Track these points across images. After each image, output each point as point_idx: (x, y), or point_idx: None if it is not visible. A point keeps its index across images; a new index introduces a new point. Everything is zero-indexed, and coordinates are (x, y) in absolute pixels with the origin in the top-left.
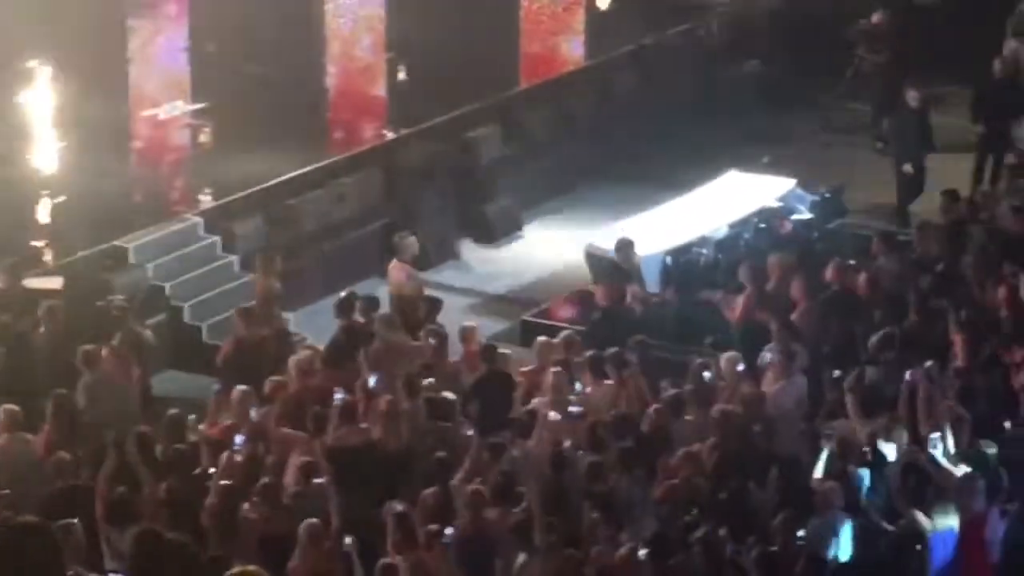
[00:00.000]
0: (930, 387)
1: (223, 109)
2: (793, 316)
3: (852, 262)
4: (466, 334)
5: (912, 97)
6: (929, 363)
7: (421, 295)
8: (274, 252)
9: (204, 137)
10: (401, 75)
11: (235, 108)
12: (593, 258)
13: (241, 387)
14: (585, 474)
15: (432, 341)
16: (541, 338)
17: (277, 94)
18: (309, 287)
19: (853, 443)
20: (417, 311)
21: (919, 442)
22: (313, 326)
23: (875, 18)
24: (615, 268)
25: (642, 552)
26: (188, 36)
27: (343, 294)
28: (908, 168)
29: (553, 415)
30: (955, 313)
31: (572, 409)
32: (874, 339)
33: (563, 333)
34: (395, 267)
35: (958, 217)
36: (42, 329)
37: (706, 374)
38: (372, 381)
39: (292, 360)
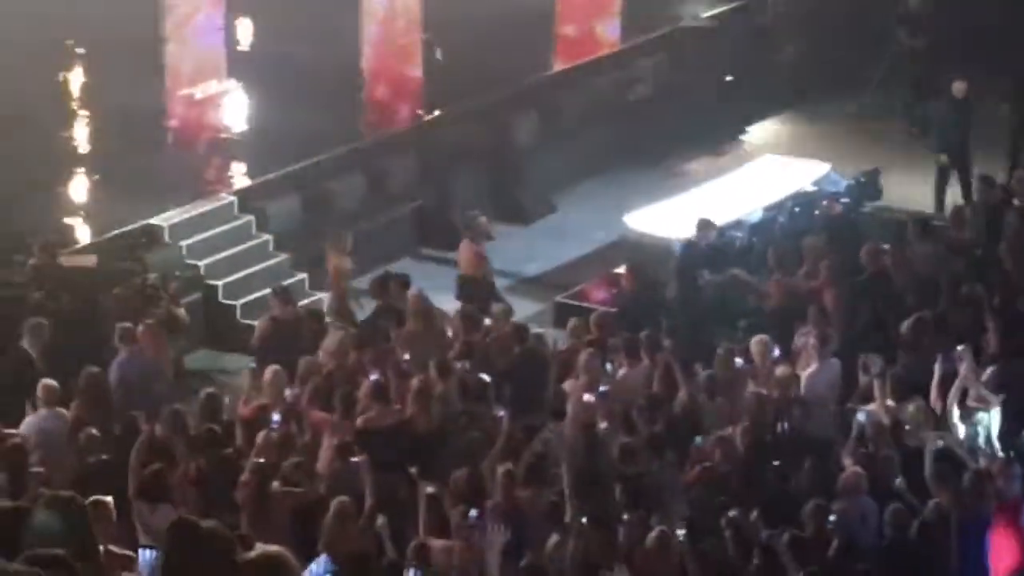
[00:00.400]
0: (965, 372)
1: (259, 89)
2: (826, 300)
3: (886, 246)
4: (499, 315)
5: (958, 88)
6: (962, 347)
7: (488, 275)
8: (344, 231)
9: (240, 116)
10: (437, 56)
11: (270, 88)
12: (632, 238)
13: (274, 367)
14: (617, 457)
15: (465, 322)
16: (573, 319)
17: (313, 75)
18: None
19: (885, 427)
20: (483, 290)
21: (951, 427)
22: None
23: (913, 2)
24: (654, 250)
25: (676, 534)
26: (224, 16)
27: (378, 274)
28: (944, 159)
29: (587, 396)
30: (989, 299)
31: (602, 388)
32: (906, 324)
33: (595, 313)
34: (465, 246)
35: (994, 202)
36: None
37: (738, 360)
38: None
39: (325, 342)
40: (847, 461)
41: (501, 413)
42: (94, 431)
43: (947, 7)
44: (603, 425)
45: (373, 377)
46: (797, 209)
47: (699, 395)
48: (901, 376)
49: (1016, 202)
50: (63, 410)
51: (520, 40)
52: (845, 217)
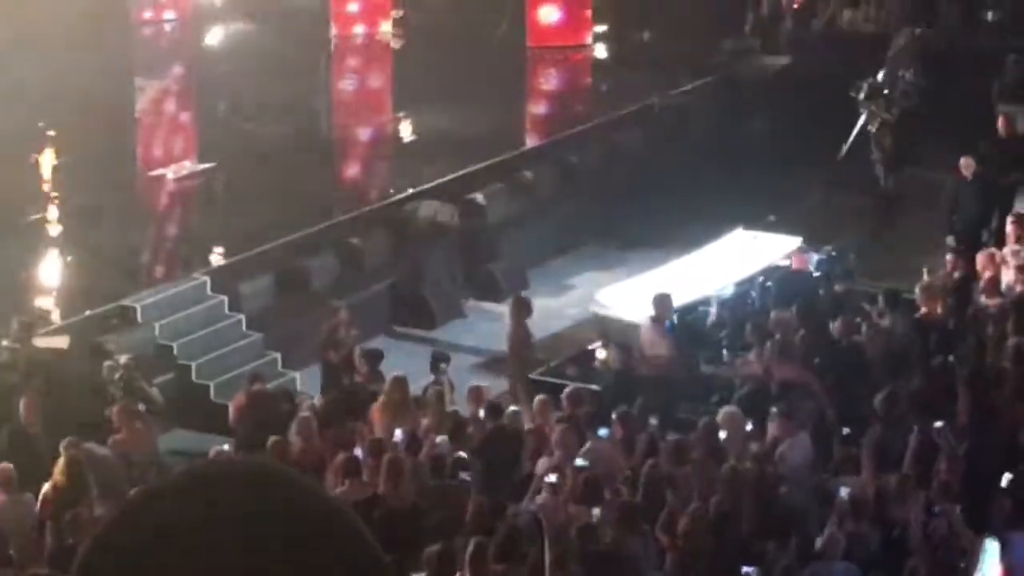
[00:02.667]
0: (946, 448)
1: (231, 168)
2: (799, 374)
3: (858, 320)
4: (473, 393)
5: (965, 166)
6: (939, 424)
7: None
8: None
9: (212, 196)
10: (409, 135)
11: (243, 167)
12: (600, 317)
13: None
14: (577, 536)
15: (435, 397)
16: (540, 396)
17: (285, 153)
18: (315, 346)
19: (863, 500)
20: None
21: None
22: (319, 385)
23: (881, 75)
24: (625, 327)
25: None
26: (196, 96)
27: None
28: (951, 241)
29: (552, 477)
30: (960, 369)
31: (579, 462)
32: (879, 397)
33: (568, 389)
34: (650, 327)
35: (963, 275)
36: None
37: (722, 434)
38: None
39: (294, 422)
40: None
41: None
42: (83, 510)
43: (921, 79)
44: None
45: (344, 454)
46: (769, 284)
47: (670, 466)
48: (876, 449)
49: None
50: (25, 493)
51: (492, 117)
52: (816, 291)
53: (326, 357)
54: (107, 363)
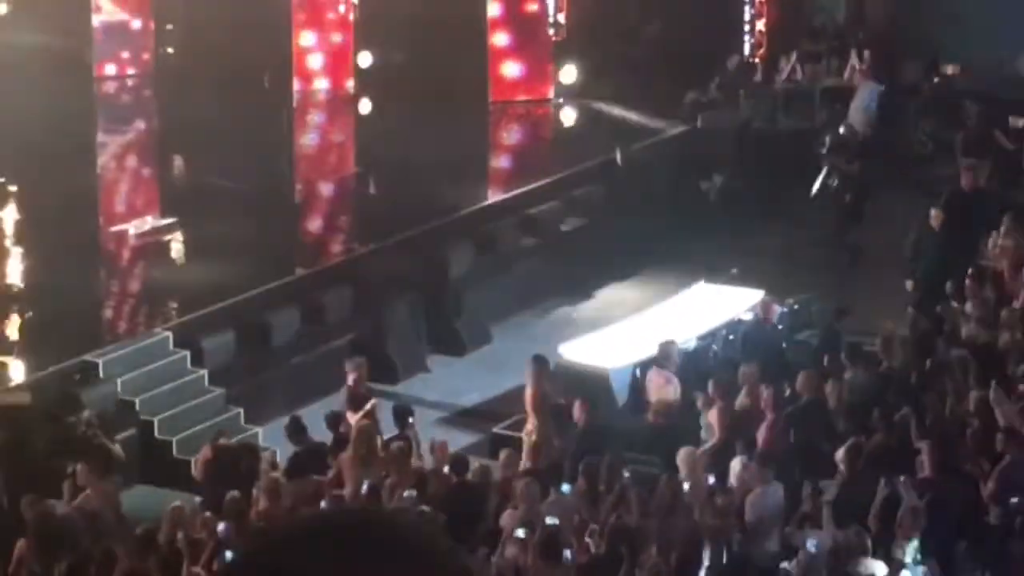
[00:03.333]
0: (909, 501)
1: (193, 223)
2: (762, 427)
3: (820, 373)
4: (437, 447)
5: (934, 216)
6: (902, 478)
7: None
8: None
9: (174, 251)
10: (371, 189)
11: (205, 222)
12: (563, 369)
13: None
14: None
15: (399, 452)
16: (505, 450)
17: (247, 208)
18: (277, 401)
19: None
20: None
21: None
22: (281, 440)
23: (843, 129)
24: (589, 379)
25: None
26: (157, 151)
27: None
28: (909, 286)
29: (519, 532)
30: (920, 422)
31: (548, 520)
32: (841, 450)
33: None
34: (656, 373)
35: (925, 329)
36: None
37: (686, 486)
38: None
39: (259, 480)
40: None
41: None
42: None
43: (880, 133)
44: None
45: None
46: (731, 337)
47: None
48: (838, 502)
49: (946, 328)
50: None
51: (455, 171)
52: (779, 344)
53: (344, 417)
54: (69, 419)
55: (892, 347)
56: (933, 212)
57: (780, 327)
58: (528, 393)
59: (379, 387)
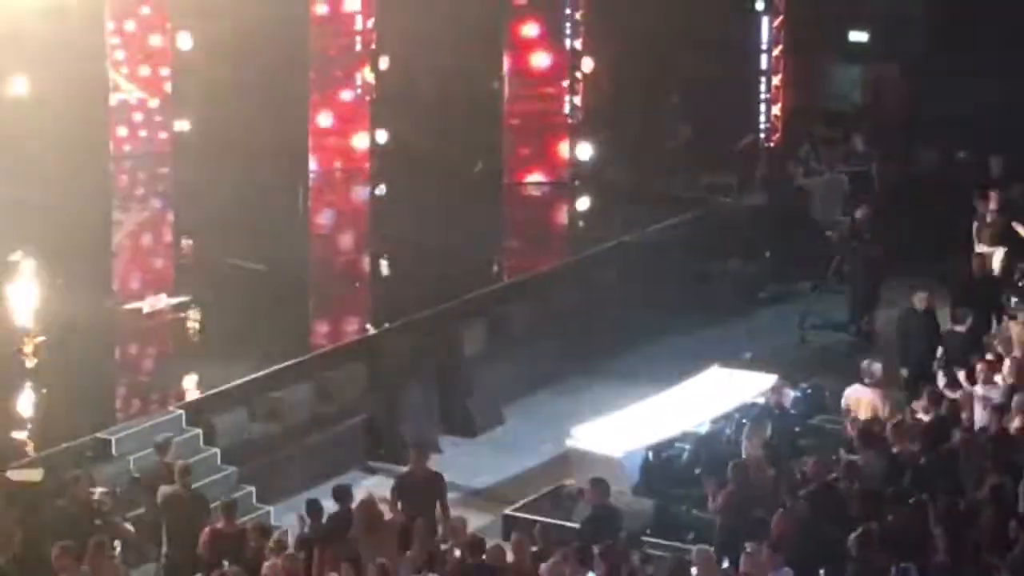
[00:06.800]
0: None
1: (206, 302)
2: (775, 514)
3: (832, 458)
4: (454, 526)
5: (919, 299)
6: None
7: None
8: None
9: (188, 330)
10: (385, 269)
11: (218, 301)
12: (577, 452)
13: None
14: None
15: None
16: (515, 533)
17: (260, 286)
18: (290, 480)
19: None
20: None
21: None
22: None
23: (859, 213)
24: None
25: None
26: (172, 229)
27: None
28: (903, 372)
29: None
30: (934, 507)
31: None
32: (852, 536)
33: (540, 525)
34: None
35: (939, 415)
36: None
37: (694, 570)
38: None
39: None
40: None
41: None
42: None
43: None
44: None
45: None
46: (744, 421)
47: None
48: None
49: (962, 415)
50: None
51: (469, 252)
52: (792, 429)
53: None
54: (82, 497)
55: (903, 431)
56: (918, 295)
57: (792, 411)
58: None
59: (390, 467)
